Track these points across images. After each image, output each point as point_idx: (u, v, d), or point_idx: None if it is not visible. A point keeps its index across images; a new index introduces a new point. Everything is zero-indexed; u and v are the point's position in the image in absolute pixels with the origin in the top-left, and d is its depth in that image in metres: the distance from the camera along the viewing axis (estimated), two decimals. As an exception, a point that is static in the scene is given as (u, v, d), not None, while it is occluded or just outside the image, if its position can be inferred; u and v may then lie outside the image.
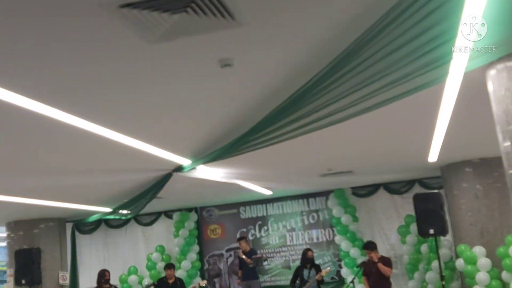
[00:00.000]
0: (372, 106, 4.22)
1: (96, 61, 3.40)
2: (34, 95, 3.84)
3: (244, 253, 10.33)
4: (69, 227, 12.51)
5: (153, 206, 10.21)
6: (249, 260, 10.01)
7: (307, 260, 9.34)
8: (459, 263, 8.79)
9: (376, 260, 8.20)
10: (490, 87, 3.86)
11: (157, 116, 4.84)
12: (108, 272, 9.40)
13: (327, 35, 3.36)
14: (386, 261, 8.33)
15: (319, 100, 4.02)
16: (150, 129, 5.24)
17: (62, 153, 5.83)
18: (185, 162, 6.73)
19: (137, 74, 3.72)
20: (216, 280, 12.03)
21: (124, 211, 10.23)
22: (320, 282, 9.23)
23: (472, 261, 8.54)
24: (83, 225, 12.77)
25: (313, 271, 9.26)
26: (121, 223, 12.72)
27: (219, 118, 5.04)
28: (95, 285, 9.50)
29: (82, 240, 13.02)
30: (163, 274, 11.53)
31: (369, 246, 8.45)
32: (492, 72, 3.78)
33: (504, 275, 8.18)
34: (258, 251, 11.40)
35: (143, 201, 8.79)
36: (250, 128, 4.89)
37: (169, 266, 9.55)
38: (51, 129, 4.74)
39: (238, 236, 11.93)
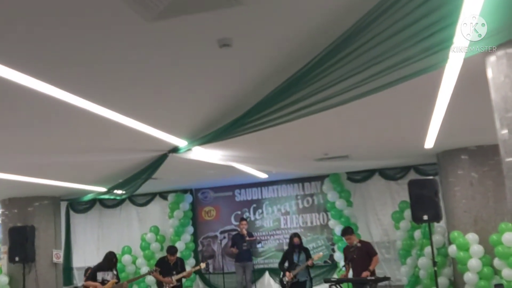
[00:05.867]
0: (370, 91, 4.19)
1: (93, 38, 3.35)
2: (30, 71, 3.80)
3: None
4: (63, 205, 12.53)
5: (148, 186, 10.21)
6: (248, 238, 10.56)
7: (294, 246, 9.40)
8: (452, 249, 8.84)
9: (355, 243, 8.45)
10: (489, 73, 3.84)
11: (153, 96, 4.80)
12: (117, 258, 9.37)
13: (327, 17, 3.33)
14: (369, 249, 8.44)
15: (318, 83, 4.00)
16: (146, 109, 5.20)
17: (58, 131, 5.80)
18: (181, 143, 6.70)
19: (135, 52, 3.68)
20: (209, 261, 12.08)
21: (119, 191, 10.22)
22: (310, 266, 9.28)
23: (464, 247, 8.60)
24: (77, 204, 12.79)
25: (302, 255, 9.32)
26: (116, 203, 12.73)
27: (216, 99, 5.01)
28: (92, 263, 9.53)
29: (77, 219, 13.04)
30: (157, 255, 11.61)
31: (347, 232, 8.62)
32: (491, 59, 3.74)
33: (496, 262, 8.24)
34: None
35: (138, 181, 8.78)
36: (247, 110, 4.87)
37: (173, 252, 9.55)
38: (47, 106, 4.71)
39: (233, 218, 12.05)
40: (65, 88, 4.23)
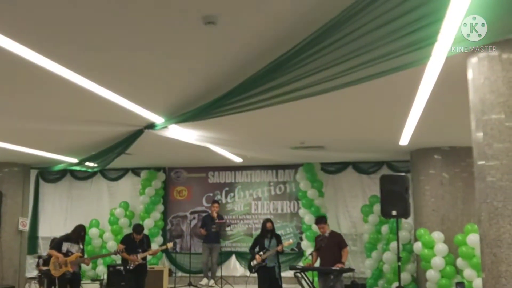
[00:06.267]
0: (351, 82, 4.20)
1: (75, 7, 3.28)
2: (7, 32, 3.71)
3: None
4: (33, 174, 12.35)
5: (121, 161, 10.11)
6: (217, 221, 10.85)
7: (266, 231, 9.41)
8: (417, 246, 8.98)
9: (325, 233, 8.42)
10: (470, 74, 3.88)
11: (134, 69, 4.73)
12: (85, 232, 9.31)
13: (314, 3, 3.30)
14: (341, 240, 8.43)
15: (300, 70, 3.99)
16: (125, 82, 5.13)
17: (31, 96, 5.69)
18: (158, 119, 6.63)
19: (118, 23, 3.61)
20: (177, 241, 12.07)
21: (91, 164, 10.10)
22: (280, 252, 9.33)
23: (429, 245, 8.74)
24: (48, 173, 12.61)
25: (273, 241, 9.33)
26: (87, 176, 12.58)
27: (197, 78, 4.96)
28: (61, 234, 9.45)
29: (46, 189, 12.86)
30: (125, 230, 11.54)
31: (321, 220, 8.57)
32: (473, 60, 3.78)
33: (459, 262, 8.40)
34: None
35: (111, 155, 8.68)
36: (227, 91, 4.83)
37: (139, 231, 9.45)
38: (21, 69, 4.60)
39: (205, 199, 12.08)
40: (43, 52, 4.14)
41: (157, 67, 4.69)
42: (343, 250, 8.30)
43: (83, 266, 9.70)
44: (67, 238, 8.95)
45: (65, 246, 8.82)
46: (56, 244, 8.95)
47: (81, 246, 9.00)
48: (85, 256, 9.24)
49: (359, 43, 3.49)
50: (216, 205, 11.19)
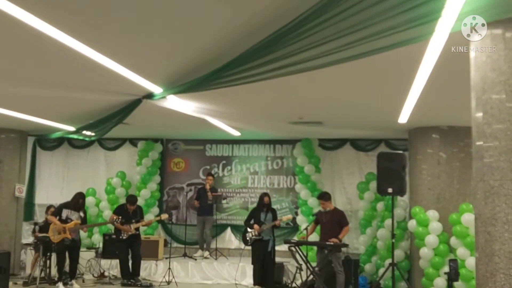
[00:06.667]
0: (352, 56, 4.16)
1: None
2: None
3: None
4: (30, 141, 12.31)
5: (118, 131, 10.09)
6: (211, 193, 10.97)
7: (263, 205, 9.45)
8: (412, 224, 9.03)
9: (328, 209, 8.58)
10: (472, 52, 3.83)
11: (133, 37, 4.67)
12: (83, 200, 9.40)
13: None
14: (342, 218, 8.52)
15: (300, 43, 3.95)
16: (125, 50, 5.07)
17: (29, 61, 5.63)
18: (156, 89, 6.59)
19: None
20: (173, 212, 12.12)
21: (88, 133, 10.07)
22: (277, 226, 9.39)
23: (424, 223, 8.79)
24: (45, 141, 12.60)
25: (269, 215, 9.39)
26: (84, 144, 12.57)
27: (196, 48, 4.90)
28: (58, 202, 9.55)
29: (43, 157, 12.86)
30: (121, 200, 11.58)
31: (324, 197, 8.71)
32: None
33: (453, 240, 8.46)
34: (219, 190, 11.58)
35: (109, 124, 8.65)
36: (226, 62, 4.79)
37: (133, 202, 9.52)
38: (20, 34, 4.55)
39: (202, 172, 12.11)
40: (41, 16, 4.08)
41: (157, 36, 4.63)
42: (344, 228, 8.42)
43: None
44: (66, 205, 9.07)
45: (65, 213, 8.95)
46: (56, 210, 9.10)
47: (81, 214, 9.10)
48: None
49: (360, 17, 3.45)
50: (210, 177, 11.27)
